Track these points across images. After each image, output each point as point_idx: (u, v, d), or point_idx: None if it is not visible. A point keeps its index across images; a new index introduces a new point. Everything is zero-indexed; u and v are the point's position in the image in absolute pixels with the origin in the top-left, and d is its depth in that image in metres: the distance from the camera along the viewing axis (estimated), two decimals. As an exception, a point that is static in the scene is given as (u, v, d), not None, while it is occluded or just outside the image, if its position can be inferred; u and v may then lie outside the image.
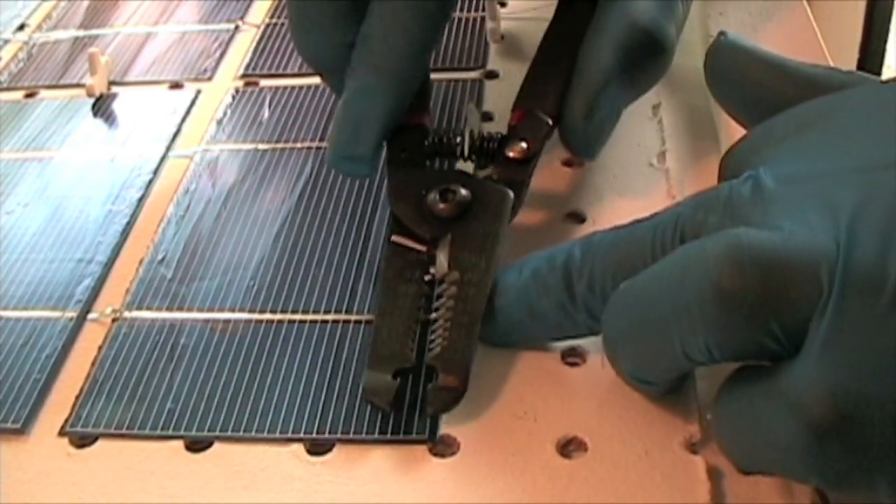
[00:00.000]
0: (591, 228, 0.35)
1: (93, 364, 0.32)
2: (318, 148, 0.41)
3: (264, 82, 0.46)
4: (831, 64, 0.39)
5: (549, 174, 0.38)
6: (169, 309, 0.34)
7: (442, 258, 0.31)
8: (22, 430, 0.31)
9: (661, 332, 0.25)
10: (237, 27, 0.50)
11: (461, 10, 0.48)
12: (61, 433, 0.30)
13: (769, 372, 0.24)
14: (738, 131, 0.32)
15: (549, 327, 0.30)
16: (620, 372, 0.28)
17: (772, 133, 0.28)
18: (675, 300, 0.24)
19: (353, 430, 0.29)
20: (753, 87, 0.31)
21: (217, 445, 0.29)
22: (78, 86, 0.47)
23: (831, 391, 0.22)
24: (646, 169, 0.38)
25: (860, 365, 0.22)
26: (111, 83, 0.47)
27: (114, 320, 0.34)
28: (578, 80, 0.33)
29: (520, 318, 0.30)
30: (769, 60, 0.31)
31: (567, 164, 0.38)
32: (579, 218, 0.36)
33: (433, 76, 0.44)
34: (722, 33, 0.32)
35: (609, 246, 0.28)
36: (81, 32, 0.52)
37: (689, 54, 0.43)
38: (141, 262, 0.36)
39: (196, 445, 0.30)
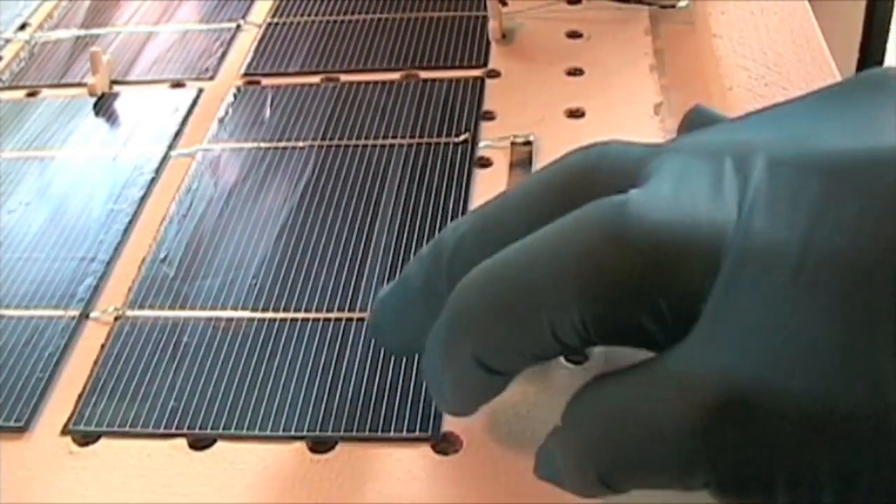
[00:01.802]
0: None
1: (95, 363, 0.32)
2: (320, 146, 0.41)
3: (266, 81, 0.46)
4: (832, 64, 0.39)
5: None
6: (171, 307, 0.34)
7: None
8: (24, 429, 0.31)
9: (529, 303, 0.22)
10: (239, 26, 0.50)
11: (462, 9, 0.48)
12: (63, 432, 0.30)
13: (652, 358, 0.21)
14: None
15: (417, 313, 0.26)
16: (455, 357, 0.23)
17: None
18: (548, 269, 0.21)
19: (355, 428, 0.29)
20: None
21: (219, 444, 0.29)
22: (80, 85, 0.47)
23: (725, 370, 0.19)
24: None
25: (760, 343, 0.19)
26: (113, 82, 0.47)
27: (116, 319, 0.34)
28: None
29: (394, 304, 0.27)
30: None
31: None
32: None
33: (434, 75, 0.44)
34: (694, 108, 0.28)
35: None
36: (83, 32, 0.52)
37: (690, 54, 0.44)
38: (143, 260, 0.36)
39: (198, 444, 0.30)
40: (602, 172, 0.23)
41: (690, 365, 0.20)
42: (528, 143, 0.39)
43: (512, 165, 0.38)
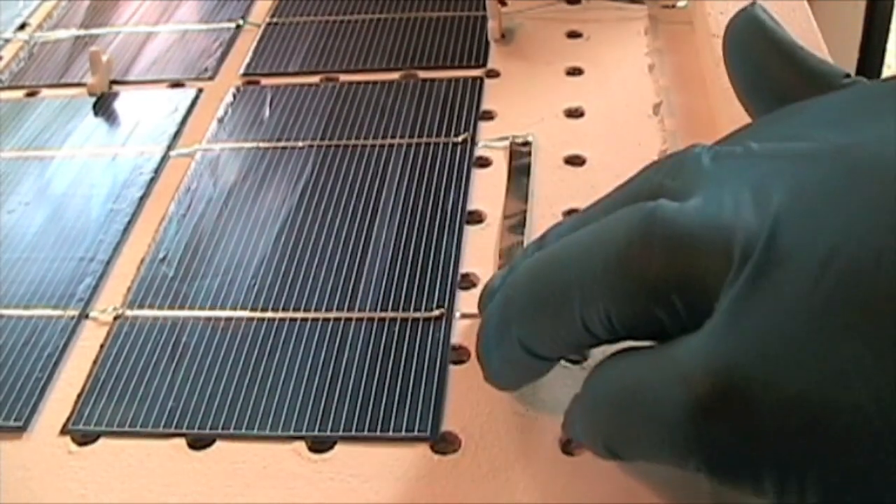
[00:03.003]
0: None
1: (94, 362, 0.32)
2: (320, 146, 0.41)
3: (265, 81, 0.46)
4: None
5: (550, 172, 0.38)
6: (170, 307, 0.34)
7: None
8: (23, 429, 0.31)
9: (564, 296, 0.24)
10: (238, 26, 0.50)
11: (462, 9, 0.48)
12: (63, 431, 0.30)
13: (663, 346, 0.22)
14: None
15: None
16: (505, 339, 0.26)
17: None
18: (582, 266, 0.23)
19: (354, 427, 0.29)
20: (765, 76, 0.29)
21: (219, 443, 0.29)
22: (79, 85, 0.47)
23: (726, 364, 0.20)
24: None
25: (763, 343, 0.20)
26: (112, 82, 0.47)
27: (115, 319, 0.34)
28: None
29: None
30: (785, 49, 0.28)
31: (568, 161, 0.38)
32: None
33: (434, 75, 0.44)
34: (750, 4, 0.29)
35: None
36: (82, 32, 0.52)
37: (689, 54, 0.44)
38: (142, 260, 0.36)
39: (198, 443, 0.30)
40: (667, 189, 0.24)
41: (695, 355, 0.21)
42: (527, 143, 0.39)
43: (511, 165, 0.38)
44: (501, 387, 0.29)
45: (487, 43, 0.46)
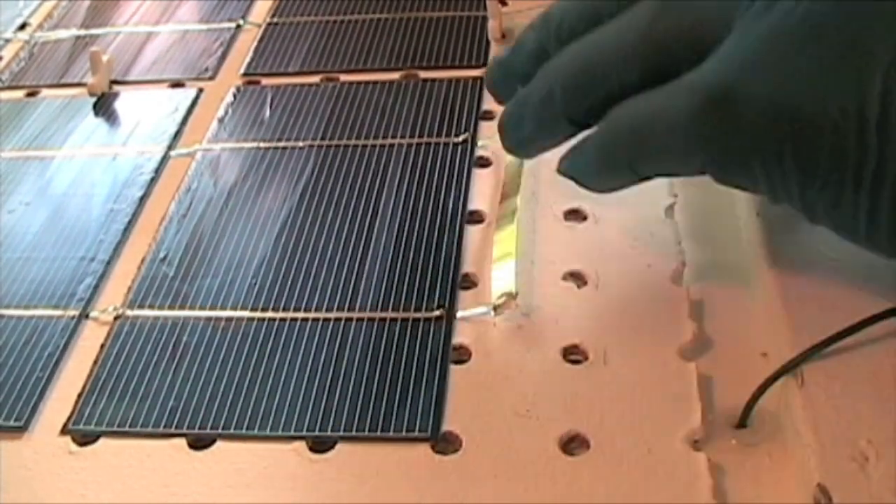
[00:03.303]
0: (592, 226, 0.35)
1: (94, 362, 0.32)
2: (320, 146, 0.41)
3: (266, 81, 0.46)
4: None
5: (550, 171, 0.38)
6: (171, 307, 0.34)
7: None
8: (24, 429, 0.31)
9: (606, 66, 0.28)
10: (238, 26, 0.50)
11: (462, 9, 0.49)
12: (63, 431, 0.30)
13: (674, 80, 0.27)
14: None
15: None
16: (550, 105, 0.30)
17: None
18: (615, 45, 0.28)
19: (355, 427, 0.29)
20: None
21: (219, 443, 0.29)
22: (79, 85, 0.47)
23: (723, 78, 0.25)
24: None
25: (757, 60, 0.25)
26: (112, 82, 0.47)
27: (115, 318, 0.34)
28: None
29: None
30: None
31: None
32: (581, 215, 0.36)
33: (434, 75, 0.44)
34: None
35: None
36: (83, 32, 0.52)
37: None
38: (143, 260, 0.36)
39: (198, 443, 0.30)
40: None
41: (700, 75, 0.26)
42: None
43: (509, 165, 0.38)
44: (523, 154, 0.34)
45: (488, 43, 0.46)
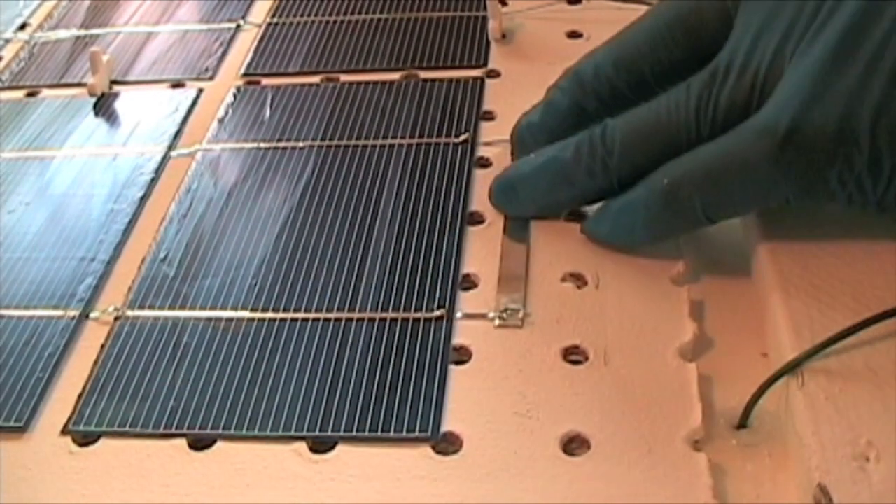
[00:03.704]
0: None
1: (95, 363, 0.32)
2: (320, 146, 0.41)
3: (266, 81, 0.46)
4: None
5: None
6: (171, 307, 0.34)
7: None
8: (24, 429, 0.31)
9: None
10: (238, 26, 0.50)
11: (462, 9, 0.49)
12: (63, 432, 0.30)
13: (733, 130, 0.30)
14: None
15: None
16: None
17: None
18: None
19: (355, 428, 0.29)
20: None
21: (219, 444, 0.29)
22: (79, 85, 0.47)
23: (791, 115, 0.28)
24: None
25: (802, 97, 0.28)
26: (113, 82, 0.47)
27: (116, 319, 0.34)
28: None
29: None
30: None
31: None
32: (581, 216, 0.36)
33: (434, 75, 0.44)
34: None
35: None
36: (83, 32, 0.52)
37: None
38: (143, 260, 0.36)
39: (198, 444, 0.30)
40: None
41: (765, 119, 0.29)
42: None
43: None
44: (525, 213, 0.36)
45: (488, 43, 0.46)
